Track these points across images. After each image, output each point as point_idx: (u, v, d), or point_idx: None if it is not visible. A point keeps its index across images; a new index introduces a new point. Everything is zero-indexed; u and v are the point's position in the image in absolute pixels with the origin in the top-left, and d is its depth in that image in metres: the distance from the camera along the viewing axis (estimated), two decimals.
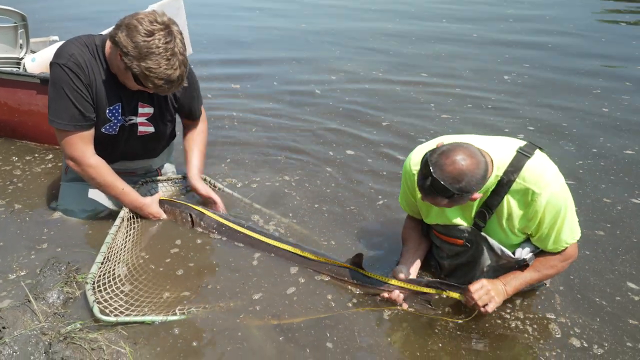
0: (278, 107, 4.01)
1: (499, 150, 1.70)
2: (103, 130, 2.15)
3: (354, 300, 1.91)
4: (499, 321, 1.86)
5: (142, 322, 1.71)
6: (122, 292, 1.84)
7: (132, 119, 2.19)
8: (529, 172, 1.66)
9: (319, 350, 1.68)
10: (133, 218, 2.23)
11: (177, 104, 2.28)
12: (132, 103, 2.15)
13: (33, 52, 3.48)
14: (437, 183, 1.54)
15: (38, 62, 3.11)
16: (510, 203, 1.71)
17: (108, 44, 1.99)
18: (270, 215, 2.44)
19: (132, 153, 2.36)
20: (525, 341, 1.78)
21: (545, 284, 2.03)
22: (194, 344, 1.66)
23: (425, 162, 1.59)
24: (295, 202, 2.60)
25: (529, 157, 1.67)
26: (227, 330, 1.72)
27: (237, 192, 2.60)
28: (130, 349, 1.59)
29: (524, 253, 1.80)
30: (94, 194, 2.32)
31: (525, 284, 1.81)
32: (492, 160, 1.66)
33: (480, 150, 1.63)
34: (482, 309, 1.74)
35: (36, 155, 3.02)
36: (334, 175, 2.93)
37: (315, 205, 2.59)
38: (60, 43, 2.51)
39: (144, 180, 2.44)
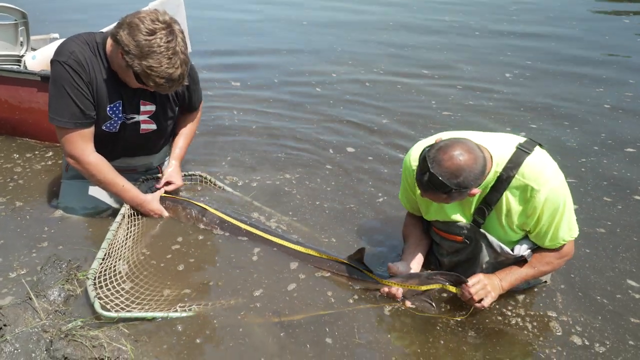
0: (278, 105, 4.01)
1: (499, 146, 1.70)
2: (104, 127, 2.14)
3: (355, 297, 1.91)
4: (499, 318, 1.86)
5: (143, 319, 1.71)
6: (123, 288, 1.84)
7: (134, 117, 2.19)
8: (529, 168, 1.66)
9: (319, 346, 1.69)
10: (134, 215, 2.23)
11: (179, 100, 2.28)
12: (133, 101, 2.15)
13: (33, 49, 3.48)
14: (435, 178, 1.54)
15: (39, 59, 3.11)
16: (509, 199, 1.71)
17: (109, 42, 1.99)
18: (271, 213, 2.44)
19: (132, 150, 2.35)
20: (526, 339, 1.78)
21: (546, 282, 2.03)
22: (196, 341, 1.66)
23: (423, 158, 1.59)
24: (296, 200, 2.60)
25: (529, 154, 1.67)
26: (228, 327, 1.73)
27: (237, 191, 2.60)
28: (132, 346, 1.60)
29: (522, 250, 1.80)
30: (95, 191, 2.32)
31: (520, 280, 1.81)
32: (491, 157, 1.66)
33: (478, 145, 1.63)
34: (477, 305, 1.74)
35: (36, 152, 3.02)
36: (335, 173, 2.93)
37: (316, 203, 2.59)
38: (61, 41, 2.51)
39: (145, 178, 2.44)
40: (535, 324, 1.84)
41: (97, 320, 1.70)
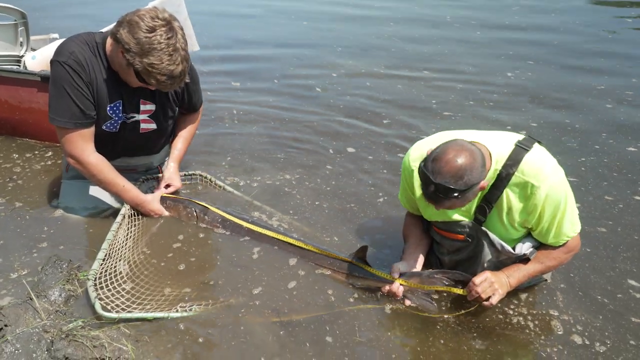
0: (278, 105, 4.00)
1: (498, 144, 1.70)
2: (104, 127, 2.14)
3: (355, 295, 1.91)
4: (500, 317, 1.86)
5: (144, 319, 1.71)
6: (123, 289, 1.84)
7: (134, 116, 2.18)
8: (528, 165, 1.65)
9: (319, 345, 1.69)
10: (134, 215, 2.23)
11: (178, 100, 2.28)
12: (133, 100, 2.14)
13: (33, 49, 3.47)
14: (441, 187, 1.53)
15: (38, 59, 3.11)
16: (509, 197, 1.70)
17: (109, 41, 1.99)
18: (272, 212, 2.44)
19: (133, 149, 2.35)
20: (527, 337, 1.78)
21: (546, 280, 2.03)
22: (197, 340, 1.66)
23: (422, 173, 1.59)
24: (297, 200, 2.60)
25: (528, 151, 1.67)
26: (229, 326, 1.73)
27: (238, 191, 2.60)
28: (133, 346, 1.59)
29: (524, 248, 1.80)
30: (95, 191, 2.32)
31: (528, 276, 1.81)
32: (490, 154, 1.66)
33: (471, 142, 1.63)
34: (485, 303, 1.73)
35: (36, 152, 3.02)
36: (335, 173, 2.93)
37: (316, 203, 2.59)
38: (61, 41, 2.50)
39: (145, 177, 2.44)
40: (536, 322, 1.84)
41: (98, 320, 1.70)
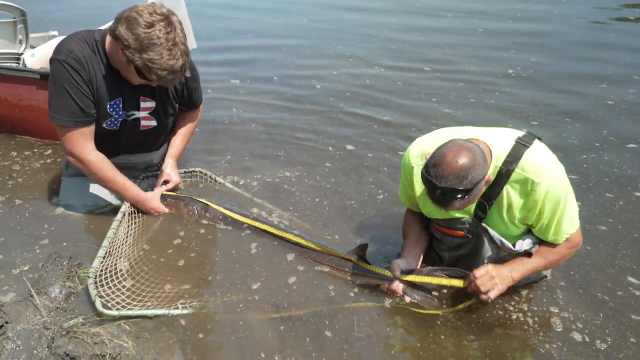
0: (278, 103, 4.00)
1: (498, 140, 1.69)
2: (104, 125, 2.14)
3: (355, 290, 1.91)
4: (500, 312, 1.86)
5: (144, 316, 1.71)
6: (124, 286, 1.84)
7: (134, 114, 2.18)
8: (528, 161, 1.65)
9: (319, 340, 1.69)
10: (134, 213, 2.23)
11: (178, 97, 2.28)
12: (133, 98, 2.14)
13: (32, 47, 3.46)
14: (447, 190, 1.53)
15: (38, 57, 3.10)
16: (509, 193, 1.70)
17: (108, 38, 1.99)
18: (272, 209, 2.44)
19: (133, 147, 2.35)
20: (527, 334, 1.78)
21: (546, 277, 2.03)
22: (197, 336, 1.67)
23: (426, 180, 1.58)
24: (297, 197, 2.60)
25: (528, 147, 1.67)
26: (229, 322, 1.73)
27: (237, 188, 2.60)
28: (133, 343, 1.60)
29: (524, 245, 1.80)
30: (95, 189, 2.32)
31: (531, 271, 1.80)
32: (490, 150, 1.65)
33: (469, 139, 1.63)
34: (483, 296, 1.73)
35: (35, 150, 3.02)
36: (334, 171, 2.93)
37: (316, 200, 2.59)
38: (60, 38, 2.49)
39: (145, 175, 2.44)
40: (536, 319, 1.84)
41: (99, 317, 1.70)
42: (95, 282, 1.81)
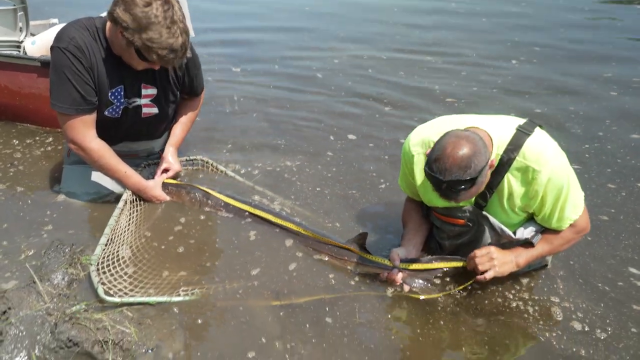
0: (279, 91, 3.98)
1: (499, 128, 1.68)
2: (106, 113, 2.13)
3: (356, 279, 1.92)
4: (500, 300, 1.87)
5: (147, 303, 1.72)
6: (125, 273, 1.85)
7: (135, 101, 2.17)
8: (529, 149, 1.64)
9: (319, 326, 1.70)
10: (136, 200, 2.24)
11: (179, 83, 2.27)
12: (135, 85, 2.13)
13: (33, 35, 3.44)
14: (452, 183, 1.52)
15: (38, 45, 3.09)
16: (511, 182, 1.70)
17: (108, 24, 1.97)
18: (273, 197, 2.45)
19: (135, 134, 2.35)
20: (526, 322, 1.79)
21: (547, 265, 2.03)
22: (198, 323, 1.68)
23: (430, 177, 1.57)
24: (298, 186, 2.60)
25: (529, 135, 1.66)
26: (230, 309, 1.74)
27: (239, 177, 2.60)
28: (135, 329, 1.61)
29: (525, 233, 1.80)
30: (97, 176, 2.32)
31: (538, 256, 1.80)
32: (490, 137, 1.64)
33: (466, 129, 1.61)
34: (480, 276, 1.74)
35: (36, 138, 3.02)
36: (336, 160, 2.92)
37: (317, 189, 2.59)
38: (60, 26, 2.48)
39: (147, 163, 2.44)
40: (536, 308, 1.85)
41: (101, 303, 1.71)
42: (98, 270, 1.82)
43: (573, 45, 5.15)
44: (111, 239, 1.97)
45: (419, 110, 3.64)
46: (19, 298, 1.67)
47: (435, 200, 1.88)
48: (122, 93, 2.12)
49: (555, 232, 1.79)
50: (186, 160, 2.55)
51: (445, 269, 1.87)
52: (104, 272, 1.82)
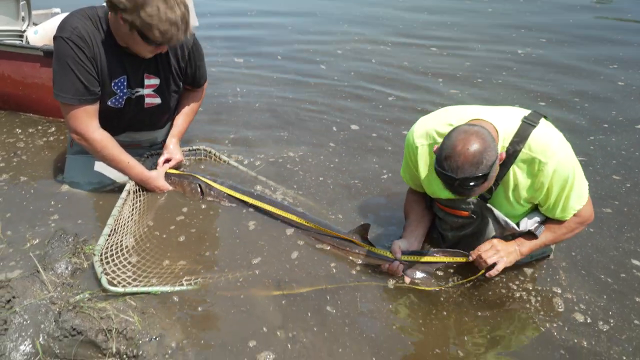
0: (282, 82, 3.96)
1: (504, 120, 1.67)
2: (109, 103, 2.13)
3: (357, 269, 1.93)
4: (503, 291, 1.87)
5: (150, 293, 1.73)
6: (129, 262, 1.86)
7: (138, 91, 2.17)
8: (535, 141, 1.63)
9: (320, 315, 1.71)
10: (139, 191, 2.24)
11: (182, 74, 2.25)
12: (138, 75, 2.12)
13: (35, 24, 3.44)
14: (465, 180, 1.50)
15: (40, 34, 3.08)
16: (516, 174, 1.69)
17: (110, 14, 1.96)
18: (276, 187, 2.45)
19: (137, 124, 2.35)
20: (529, 313, 1.79)
21: (549, 256, 2.03)
22: (202, 312, 1.69)
23: (441, 175, 1.54)
24: (300, 176, 2.60)
25: (535, 126, 1.64)
26: (232, 298, 1.75)
27: (241, 167, 2.60)
28: (139, 318, 1.62)
29: (529, 224, 1.79)
30: (100, 166, 2.33)
31: (541, 245, 1.80)
32: (495, 129, 1.63)
33: (472, 123, 1.59)
34: (490, 272, 1.73)
35: (39, 127, 3.02)
36: (338, 151, 2.92)
37: (320, 179, 2.59)
38: (63, 15, 2.46)
39: (150, 153, 2.44)
40: (538, 299, 1.85)
41: (104, 292, 1.73)
42: (101, 260, 1.83)
43: (580, 34, 5.09)
44: (114, 229, 1.98)
45: (422, 102, 3.62)
46: (23, 287, 1.68)
47: (439, 192, 1.87)
48: (125, 83, 2.11)
49: (559, 221, 1.78)
50: (189, 150, 2.55)
51: (447, 263, 1.87)
52: (107, 262, 1.83)
